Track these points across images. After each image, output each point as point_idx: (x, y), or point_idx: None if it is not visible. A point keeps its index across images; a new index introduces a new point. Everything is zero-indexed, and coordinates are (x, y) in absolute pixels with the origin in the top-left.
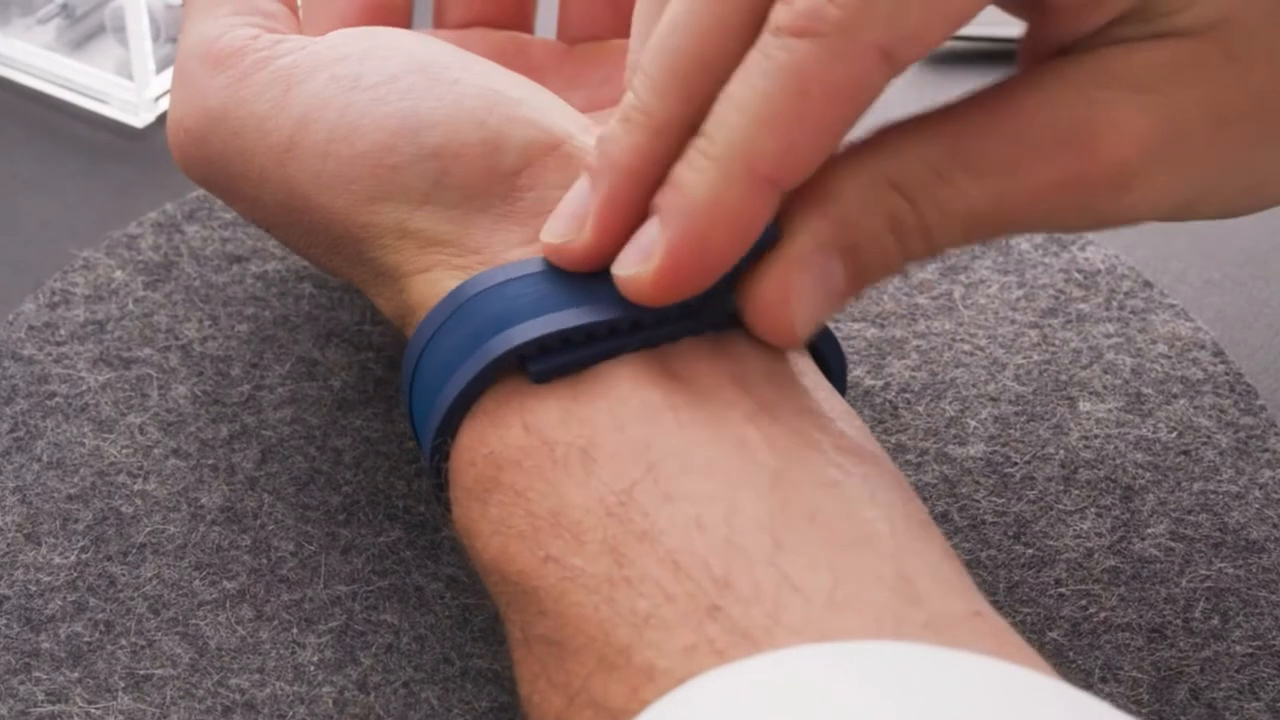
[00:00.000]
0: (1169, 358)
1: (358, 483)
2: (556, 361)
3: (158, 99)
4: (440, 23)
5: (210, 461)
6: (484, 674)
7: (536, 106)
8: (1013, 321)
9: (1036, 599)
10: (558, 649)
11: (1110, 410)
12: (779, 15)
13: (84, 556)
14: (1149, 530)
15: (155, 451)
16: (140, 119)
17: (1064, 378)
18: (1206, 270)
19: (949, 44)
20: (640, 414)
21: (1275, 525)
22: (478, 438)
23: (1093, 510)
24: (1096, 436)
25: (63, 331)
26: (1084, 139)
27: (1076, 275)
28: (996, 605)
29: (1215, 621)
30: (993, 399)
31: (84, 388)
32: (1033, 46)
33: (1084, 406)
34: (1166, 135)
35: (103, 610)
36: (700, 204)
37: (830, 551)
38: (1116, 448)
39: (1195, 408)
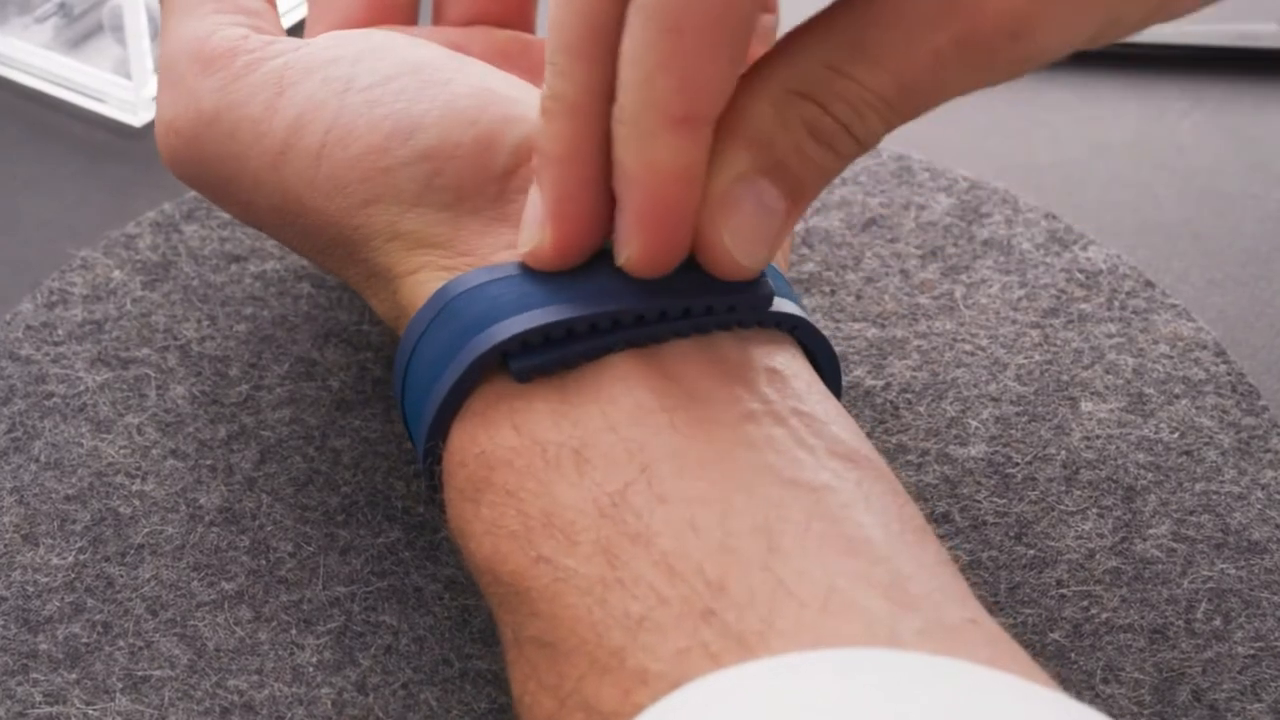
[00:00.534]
0: (1171, 358)
1: (356, 483)
2: (539, 359)
3: (155, 98)
4: (440, 19)
5: (208, 462)
6: (483, 675)
7: (531, 105)
8: (1014, 321)
9: (1038, 600)
10: (550, 650)
11: (1112, 411)
12: None
13: (82, 557)
14: (1151, 531)
15: (153, 452)
16: (138, 118)
17: (1065, 378)
18: (1209, 270)
19: None
20: (632, 415)
21: (1277, 526)
22: (469, 438)
23: (1094, 511)
24: (1098, 437)
25: (60, 331)
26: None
27: (1078, 275)
28: (997, 606)
29: (1217, 623)
30: (994, 399)
31: (82, 388)
32: None
33: (1085, 407)
34: None
35: (100, 611)
36: (639, 173)
37: (825, 557)
38: (1118, 448)
39: (1197, 408)
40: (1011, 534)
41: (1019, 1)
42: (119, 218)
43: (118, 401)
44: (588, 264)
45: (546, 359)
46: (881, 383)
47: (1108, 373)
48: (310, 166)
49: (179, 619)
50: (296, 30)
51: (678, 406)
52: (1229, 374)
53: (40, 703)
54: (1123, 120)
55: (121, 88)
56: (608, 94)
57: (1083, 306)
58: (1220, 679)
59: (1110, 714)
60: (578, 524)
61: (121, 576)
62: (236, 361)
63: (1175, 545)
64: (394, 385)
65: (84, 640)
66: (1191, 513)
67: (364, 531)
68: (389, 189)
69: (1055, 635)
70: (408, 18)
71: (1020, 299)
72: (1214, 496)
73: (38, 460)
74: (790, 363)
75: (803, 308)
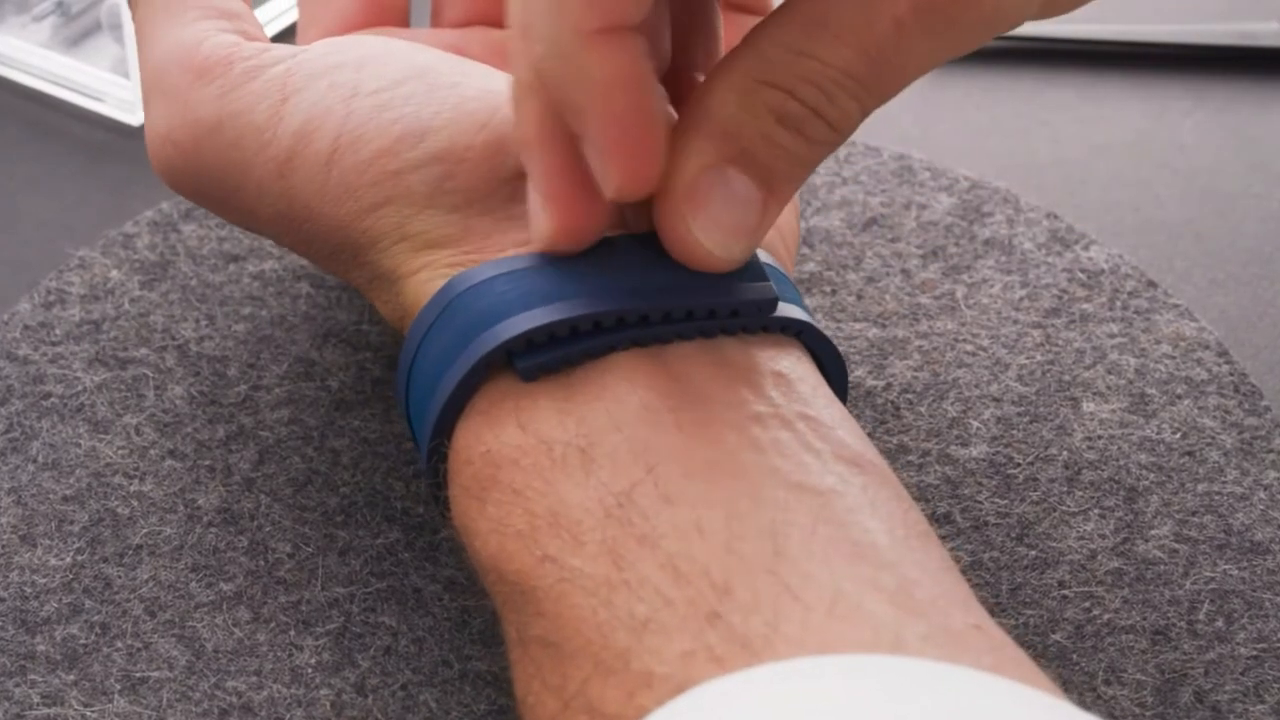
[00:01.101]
0: (1173, 358)
1: (355, 484)
2: (544, 358)
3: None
4: (438, 21)
5: (207, 462)
6: (482, 676)
7: None
8: (1016, 321)
9: (1040, 601)
10: (554, 651)
11: (1114, 411)
12: None
13: (80, 558)
14: (1153, 532)
15: (151, 452)
16: (136, 117)
17: (1067, 378)
18: (1211, 270)
19: None
20: (638, 415)
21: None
22: (474, 437)
23: (1096, 512)
24: (1100, 437)
25: (58, 331)
26: None
27: (1080, 275)
28: (999, 607)
29: (1220, 624)
30: (995, 399)
31: (80, 388)
32: None
33: (1087, 407)
34: None
35: (99, 612)
36: (578, 98)
37: (830, 561)
38: (1120, 449)
39: (1199, 409)
40: (1013, 535)
41: None
42: (117, 217)
43: (116, 402)
44: (591, 262)
45: (551, 357)
46: (882, 383)
47: (1109, 373)
48: (320, 173)
49: (177, 620)
50: (279, 39)
51: (683, 407)
52: (1231, 374)
53: (38, 704)
54: (1125, 120)
55: (119, 87)
56: None
57: (1084, 306)
58: (1223, 680)
59: (1112, 716)
60: (584, 524)
61: (120, 577)
62: (235, 361)
63: (1177, 546)
64: (397, 382)
65: (82, 641)
66: (1194, 513)
67: (363, 532)
68: (400, 192)
69: (1057, 636)
70: (400, 20)
71: (1022, 299)
72: (1216, 497)
73: (35, 461)
74: (796, 366)
75: (808, 311)
